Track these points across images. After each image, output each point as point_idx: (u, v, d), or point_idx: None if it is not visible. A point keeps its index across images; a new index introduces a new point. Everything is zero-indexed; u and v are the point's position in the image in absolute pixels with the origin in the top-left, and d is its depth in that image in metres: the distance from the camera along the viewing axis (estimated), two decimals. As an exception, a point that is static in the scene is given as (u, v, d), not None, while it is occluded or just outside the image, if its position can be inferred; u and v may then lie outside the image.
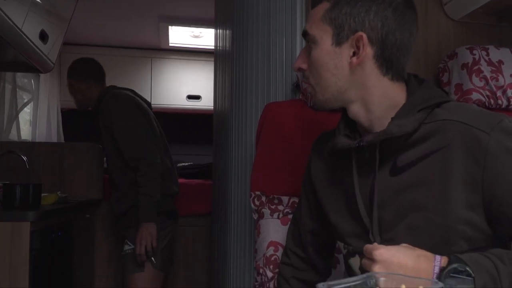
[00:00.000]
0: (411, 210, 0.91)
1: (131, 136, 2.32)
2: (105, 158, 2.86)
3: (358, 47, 0.93)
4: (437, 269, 0.78)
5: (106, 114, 2.38)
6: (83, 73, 2.52)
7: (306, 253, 1.22)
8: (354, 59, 0.93)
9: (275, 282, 1.32)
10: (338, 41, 0.94)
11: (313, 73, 0.98)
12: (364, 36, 0.91)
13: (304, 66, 1.01)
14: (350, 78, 0.95)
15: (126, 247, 2.32)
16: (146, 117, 2.43)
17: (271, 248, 1.37)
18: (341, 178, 1.05)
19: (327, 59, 0.95)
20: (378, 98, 0.95)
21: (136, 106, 2.43)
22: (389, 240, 0.91)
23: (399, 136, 0.91)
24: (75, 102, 2.61)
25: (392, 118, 0.93)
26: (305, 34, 0.99)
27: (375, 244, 0.84)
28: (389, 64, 0.94)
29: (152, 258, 2.29)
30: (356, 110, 0.98)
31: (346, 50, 0.94)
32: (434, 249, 0.82)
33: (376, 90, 0.95)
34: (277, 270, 1.32)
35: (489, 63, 1.46)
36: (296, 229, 1.23)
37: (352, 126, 1.04)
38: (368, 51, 0.92)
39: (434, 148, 0.90)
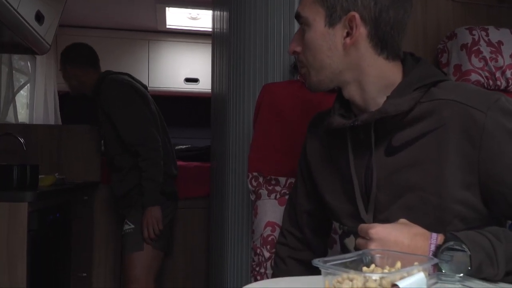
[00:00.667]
0: (407, 190, 0.91)
1: (130, 121, 2.32)
2: (102, 142, 2.85)
3: (351, 27, 0.91)
4: (433, 247, 0.78)
5: (104, 100, 2.37)
6: (78, 58, 2.51)
7: (302, 233, 1.22)
8: (348, 39, 0.92)
9: (272, 262, 1.33)
10: (331, 22, 0.93)
11: (307, 56, 0.97)
12: (357, 15, 0.90)
13: (298, 49, 0.99)
14: (344, 59, 0.94)
15: (126, 227, 2.34)
16: (144, 101, 2.43)
17: (268, 229, 1.38)
18: (336, 159, 1.05)
19: (320, 41, 0.94)
20: (374, 78, 0.94)
21: (134, 90, 2.42)
22: (384, 220, 0.91)
23: (395, 115, 0.90)
24: (69, 88, 2.61)
25: (387, 97, 0.92)
26: (297, 16, 0.98)
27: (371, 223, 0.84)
28: (383, 43, 0.93)
29: None
30: (351, 91, 0.97)
31: (340, 31, 0.93)
32: (429, 229, 0.82)
33: (371, 70, 0.94)
34: (274, 250, 1.33)
35: (489, 43, 1.45)
36: (292, 209, 1.24)
37: (347, 106, 1.03)
38: (361, 31, 0.91)
39: (430, 128, 0.89)
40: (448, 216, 0.87)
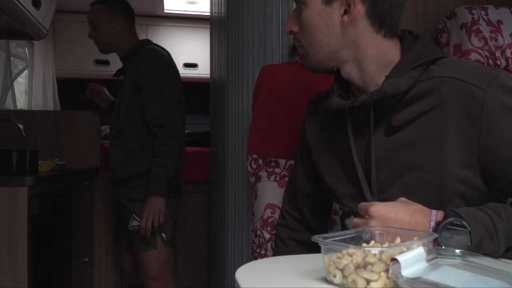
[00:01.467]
0: (407, 169, 0.91)
1: (159, 100, 2.10)
2: (113, 116, 2.54)
3: (349, 5, 0.90)
4: (433, 224, 0.78)
5: (140, 68, 2.14)
6: (116, 11, 2.27)
7: (302, 215, 1.22)
8: (346, 17, 0.91)
9: (272, 243, 1.33)
10: (328, 0, 0.92)
11: (304, 35, 0.96)
12: None
13: (295, 28, 0.98)
14: (342, 37, 0.93)
15: (135, 223, 2.12)
16: (177, 84, 2.23)
17: (268, 210, 1.38)
18: (336, 140, 1.05)
19: (318, 19, 0.93)
20: (372, 57, 0.94)
21: (171, 70, 2.22)
22: (385, 200, 0.91)
23: (394, 95, 0.89)
24: (97, 43, 2.31)
25: (386, 77, 0.92)
26: None
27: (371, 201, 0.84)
28: (382, 20, 0.92)
29: (163, 235, 2.14)
30: (350, 70, 0.97)
31: (337, 9, 0.92)
32: (429, 208, 0.82)
33: (369, 49, 0.93)
34: (274, 231, 1.33)
35: (488, 23, 1.44)
36: (292, 191, 1.24)
37: (346, 86, 1.02)
38: (359, 8, 0.90)
39: (430, 106, 0.89)
40: (448, 195, 0.87)
